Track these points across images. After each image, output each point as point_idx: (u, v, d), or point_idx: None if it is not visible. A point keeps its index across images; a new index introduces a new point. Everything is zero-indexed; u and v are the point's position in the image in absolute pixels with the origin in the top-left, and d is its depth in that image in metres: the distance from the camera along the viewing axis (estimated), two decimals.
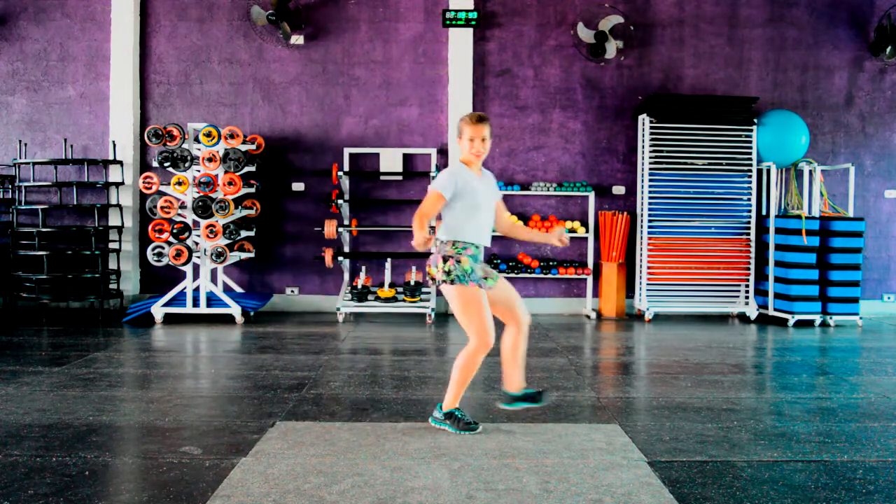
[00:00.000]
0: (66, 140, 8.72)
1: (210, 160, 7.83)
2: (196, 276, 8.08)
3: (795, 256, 8.15)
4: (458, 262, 3.90)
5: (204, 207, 7.80)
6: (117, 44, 8.84)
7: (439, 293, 9.06)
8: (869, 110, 9.17)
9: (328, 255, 8.40)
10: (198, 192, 7.85)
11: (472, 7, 8.74)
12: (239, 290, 8.77)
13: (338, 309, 8.26)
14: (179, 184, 7.82)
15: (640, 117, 8.76)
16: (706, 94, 8.93)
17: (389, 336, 7.30)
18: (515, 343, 4.03)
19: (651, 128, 8.58)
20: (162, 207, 7.82)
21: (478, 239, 3.97)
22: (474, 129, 3.94)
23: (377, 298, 8.30)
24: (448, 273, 3.89)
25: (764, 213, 8.79)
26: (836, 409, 4.58)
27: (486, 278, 3.99)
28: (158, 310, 7.89)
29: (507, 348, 4.04)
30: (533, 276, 8.78)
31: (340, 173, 8.59)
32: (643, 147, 8.69)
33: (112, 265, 8.76)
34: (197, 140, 8.07)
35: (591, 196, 8.86)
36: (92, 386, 4.98)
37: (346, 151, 8.91)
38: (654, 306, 8.61)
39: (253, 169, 8.32)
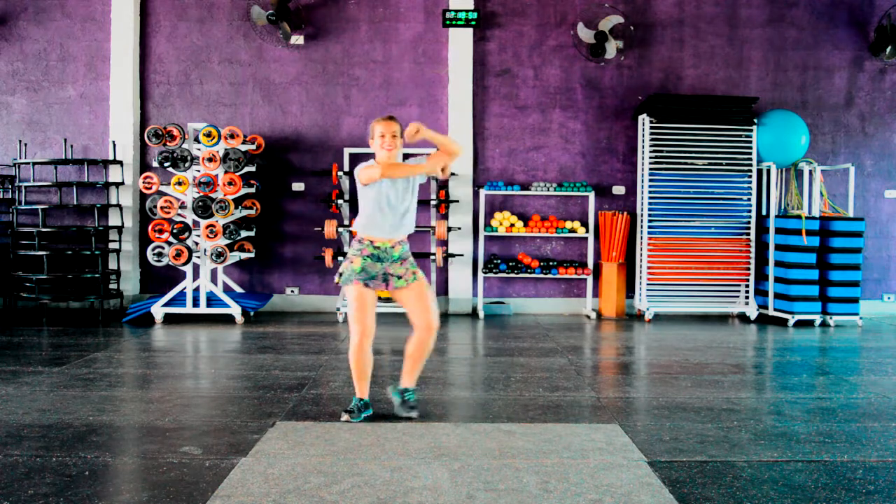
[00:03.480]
0: (66, 140, 8.72)
1: (210, 160, 7.83)
2: (196, 276, 8.08)
3: (795, 256, 8.15)
4: (351, 262, 4.17)
5: (204, 207, 7.80)
6: (117, 44, 8.84)
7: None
8: (869, 110, 9.17)
9: (328, 255, 8.40)
10: (198, 192, 7.85)
11: (472, 7, 8.74)
12: (239, 290, 8.77)
13: (338, 309, 8.26)
14: (179, 184, 7.83)
15: (640, 117, 8.76)
16: (706, 94, 8.93)
17: (389, 336, 7.30)
18: (412, 343, 4.25)
19: (651, 128, 8.58)
20: (162, 207, 7.82)
21: (382, 234, 4.14)
22: (384, 126, 4.14)
23: (377, 298, 8.28)
24: (340, 275, 4.22)
25: (764, 213, 8.79)
26: (836, 409, 4.58)
27: (397, 277, 4.17)
28: (158, 310, 7.89)
29: (408, 347, 4.28)
30: (533, 276, 8.78)
31: (340, 173, 8.59)
32: (643, 147, 8.70)
33: (112, 265, 8.76)
34: (197, 140, 8.07)
35: (591, 196, 8.86)
36: (92, 386, 4.98)
37: (346, 151, 8.91)
38: (654, 306, 8.61)
39: (253, 169, 8.32)
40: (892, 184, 9.23)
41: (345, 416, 4.21)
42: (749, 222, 8.67)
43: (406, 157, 4.35)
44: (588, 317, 8.76)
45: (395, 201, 4.14)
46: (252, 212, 8.53)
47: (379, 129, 4.16)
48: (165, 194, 7.94)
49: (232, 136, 7.97)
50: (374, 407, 4.44)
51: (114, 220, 8.77)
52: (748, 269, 8.68)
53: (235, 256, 8.35)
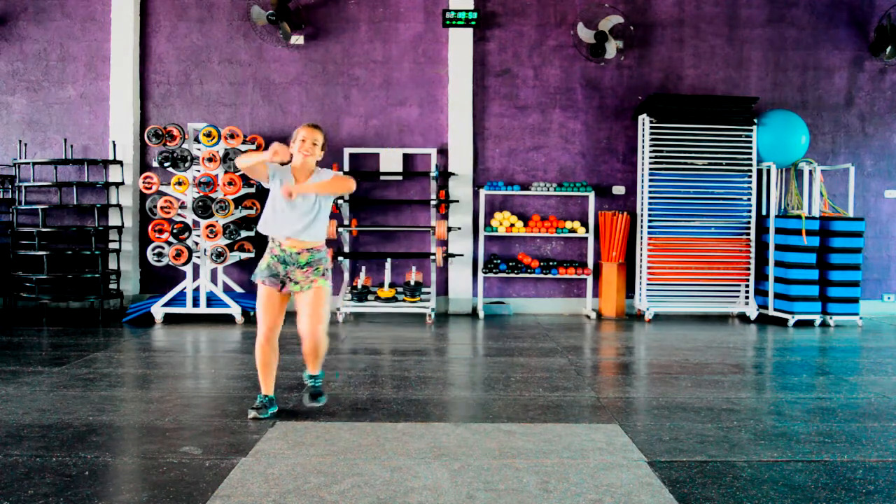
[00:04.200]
0: (66, 140, 8.72)
1: (210, 160, 7.83)
2: (196, 276, 8.08)
3: (795, 256, 8.15)
4: (263, 259, 4.26)
5: (204, 207, 7.80)
6: (117, 44, 8.84)
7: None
8: (869, 110, 9.18)
9: (328, 254, 8.39)
10: (198, 192, 7.85)
11: (472, 7, 8.74)
12: (239, 290, 8.77)
13: (338, 309, 8.26)
14: (179, 184, 7.83)
15: (640, 117, 8.76)
16: (706, 94, 8.93)
17: (389, 336, 7.30)
18: (303, 345, 4.29)
19: (651, 128, 8.58)
20: (162, 207, 7.82)
21: (283, 233, 4.18)
22: (307, 132, 4.19)
23: (377, 298, 8.30)
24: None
25: (764, 213, 8.79)
26: (836, 409, 4.58)
27: (294, 282, 4.20)
28: (158, 310, 7.89)
29: (303, 348, 4.33)
30: (533, 276, 8.78)
31: (340, 173, 8.58)
32: (643, 147, 8.70)
33: (112, 265, 8.76)
34: (197, 140, 8.07)
35: (591, 196, 8.86)
36: (92, 386, 4.98)
37: (346, 151, 8.91)
38: (654, 306, 8.61)
39: None
40: (892, 184, 9.23)
41: (252, 413, 4.21)
42: (749, 222, 8.67)
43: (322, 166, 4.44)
44: (588, 317, 8.75)
45: (290, 203, 4.15)
46: (252, 212, 8.52)
47: (302, 133, 4.19)
48: (165, 194, 7.94)
49: (232, 136, 7.98)
50: (371, 406, 4.44)
51: (114, 220, 8.77)
52: (748, 269, 8.68)
53: (235, 256, 8.35)
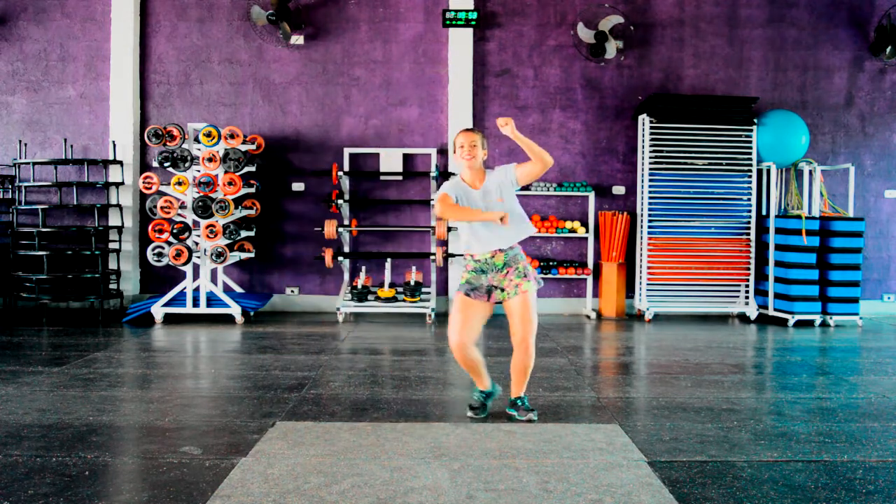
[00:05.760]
0: (66, 140, 8.72)
1: (210, 160, 7.84)
2: (196, 276, 8.08)
3: (795, 256, 8.15)
4: (461, 276, 4.28)
5: (204, 207, 7.80)
6: (117, 44, 8.84)
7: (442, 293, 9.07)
8: (869, 110, 9.17)
9: (328, 255, 8.40)
10: (198, 192, 7.85)
11: (472, 7, 8.74)
12: (239, 290, 8.77)
13: (338, 309, 8.26)
14: (179, 184, 7.83)
15: (640, 117, 8.76)
16: (706, 94, 8.93)
17: (389, 336, 7.30)
18: (514, 357, 4.19)
19: (651, 128, 8.58)
20: (162, 207, 7.83)
21: (481, 248, 4.17)
22: (464, 137, 4.19)
23: (377, 298, 8.30)
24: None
25: (764, 213, 8.79)
26: (836, 409, 4.58)
27: (500, 289, 4.15)
28: (158, 310, 7.89)
29: (512, 360, 4.22)
30: None
31: (340, 173, 8.59)
32: (643, 147, 8.69)
33: (112, 265, 8.76)
34: (197, 140, 8.07)
35: (591, 196, 8.86)
36: (92, 386, 4.98)
37: (346, 151, 8.92)
38: (654, 306, 8.61)
39: (253, 169, 8.33)
40: (892, 184, 9.22)
41: (469, 413, 4.28)
42: (749, 222, 8.67)
43: (487, 166, 4.36)
44: (588, 317, 8.75)
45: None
46: (252, 212, 8.53)
47: (459, 140, 4.18)
48: (165, 194, 7.94)
49: (232, 136, 7.98)
50: (371, 407, 4.44)
51: (114, 220, 8.77)
52: (748, 269, 8.68)
53: (235, 256, 8.35)
